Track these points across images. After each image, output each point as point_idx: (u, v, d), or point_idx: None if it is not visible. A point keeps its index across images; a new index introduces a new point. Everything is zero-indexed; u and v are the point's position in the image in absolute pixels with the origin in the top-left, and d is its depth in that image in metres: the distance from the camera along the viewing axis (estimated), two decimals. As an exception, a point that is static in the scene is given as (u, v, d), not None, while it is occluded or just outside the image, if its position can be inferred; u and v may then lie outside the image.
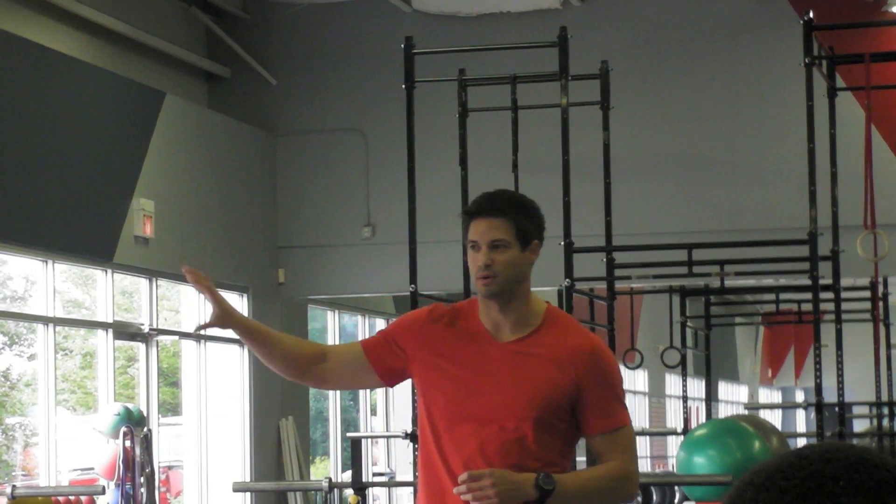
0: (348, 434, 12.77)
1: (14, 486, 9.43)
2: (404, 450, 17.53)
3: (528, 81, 10.70)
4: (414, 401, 9.43)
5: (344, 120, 15.32)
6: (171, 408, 14.86)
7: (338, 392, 17.34)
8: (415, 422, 9.25)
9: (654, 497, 15.48)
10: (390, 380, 4.08)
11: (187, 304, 14.46)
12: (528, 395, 3.90)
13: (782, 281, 14.98)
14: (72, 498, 11.30)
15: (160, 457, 13.51)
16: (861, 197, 9.97)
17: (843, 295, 10.76)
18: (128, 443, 11.42)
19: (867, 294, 14.36)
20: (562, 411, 3.93)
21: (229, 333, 4.09)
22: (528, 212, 3.98)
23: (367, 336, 18.97)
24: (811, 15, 9.43)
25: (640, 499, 14.40)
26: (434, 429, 3.97)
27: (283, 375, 4.11)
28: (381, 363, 4.03)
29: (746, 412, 23.68)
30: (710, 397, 16.66)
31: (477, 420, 3.92)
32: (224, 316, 3.97)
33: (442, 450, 3.95)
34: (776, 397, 40.96)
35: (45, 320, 12.02)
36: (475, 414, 3.92)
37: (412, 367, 4.01)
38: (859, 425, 20.41)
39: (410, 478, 11.70)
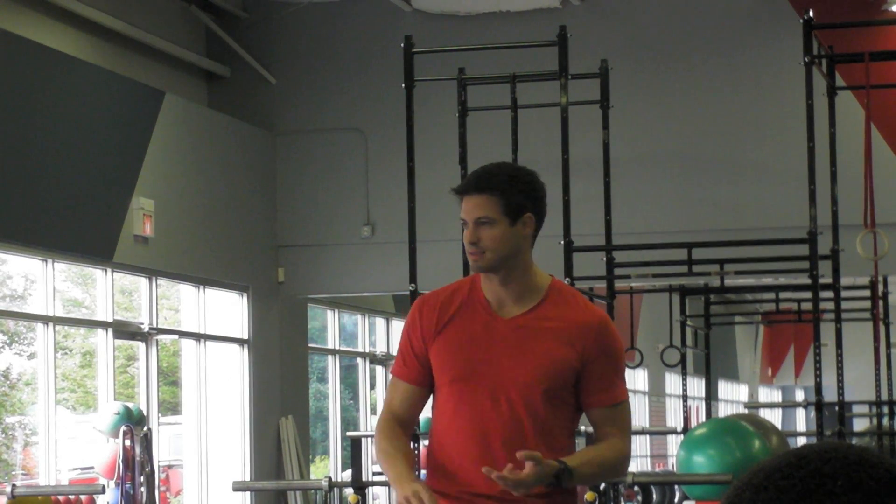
0: (348, 433, 12.79)
1: (14, 486, 9.42)
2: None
3: (527, 80, 10.70)
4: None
5: (344, 119, 15.31)
6: (170, 407, 14.86)
7: (337, 391, 17.35)
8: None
9: (654, 496, 15.46)
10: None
11: (187, 304, 14.45)
12: (536, 370, 3.92)
13: (782, 280, 14.98)
14: (72, 497, 11.29)
15: (160, 456, 13.51)
16: (861, 196, 9.97)
17: (843, 294, 10.76)
18: (128, 442, 11.42)
19: (867, 293, 14.35)
20: (568, 385, 3.95)
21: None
22: (519, 185, 3.93)
23: (367, 337, 18.85)
24: (811, 14, 9.43)
25: (640, 498, 14.39)
26: (444, 406, 3.99)
27: None
28: (425, 380, 4.06)
29: (746, 411, 23.68)
30: (710, 396, 16.63)
31: (485, 394, 3.94)
32: None
33: (451, 426, 3.96)
34: (776, 396, 40.94)
35: (45, 319, 12.02)
36: (483, 389, 3.94)
37: (431, 356, 4.04)
38: (859, 424, 20.42)
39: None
